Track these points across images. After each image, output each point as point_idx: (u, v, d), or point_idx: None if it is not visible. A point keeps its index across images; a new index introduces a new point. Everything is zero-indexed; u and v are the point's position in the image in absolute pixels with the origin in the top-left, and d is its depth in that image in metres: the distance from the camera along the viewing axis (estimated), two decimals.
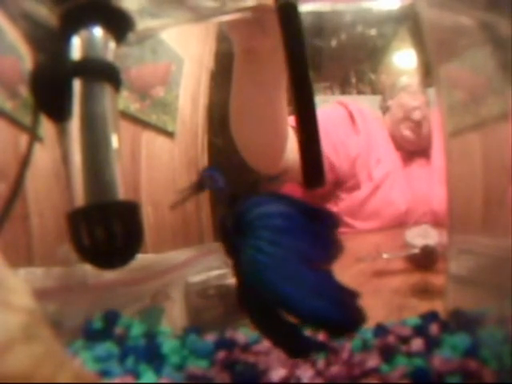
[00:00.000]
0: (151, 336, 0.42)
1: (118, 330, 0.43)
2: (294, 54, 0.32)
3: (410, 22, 0.64)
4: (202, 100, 0.63)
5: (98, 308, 0.45)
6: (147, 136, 0.60)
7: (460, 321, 0.40)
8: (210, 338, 0.41)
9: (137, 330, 0.43)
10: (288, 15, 0.32)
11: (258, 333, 0.32)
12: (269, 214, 0.30)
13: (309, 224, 0.30)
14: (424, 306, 0.44)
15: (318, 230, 0.31)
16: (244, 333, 0.40)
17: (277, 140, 0.62)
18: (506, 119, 0.39)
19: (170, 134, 0.61)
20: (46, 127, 0.43)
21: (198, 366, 0.37)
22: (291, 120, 0.61)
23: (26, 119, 0.39)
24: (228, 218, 0.31)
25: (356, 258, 0.56)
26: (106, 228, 0.30)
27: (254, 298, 0.30)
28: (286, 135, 0.62)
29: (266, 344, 0.38)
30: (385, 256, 0.56)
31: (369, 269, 0.55)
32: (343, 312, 0.29)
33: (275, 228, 0.30)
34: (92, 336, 0.42)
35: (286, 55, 0.32)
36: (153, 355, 0.39)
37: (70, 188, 0.32)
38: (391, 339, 0.37)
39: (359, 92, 0.82)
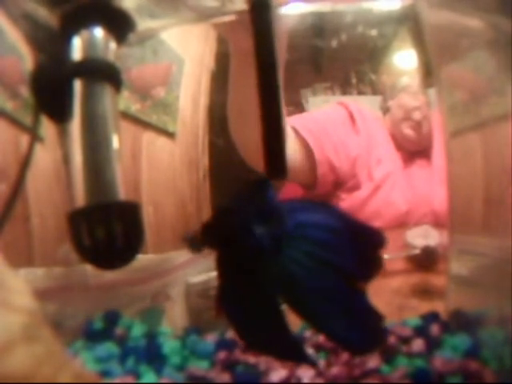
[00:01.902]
0: (152, 336, 0.42)
1: (119, 330, 0.43)
2: (261, 51, 0.32)
3: (410, 22, 0.64)
4: (203, 100, 0.63)
5: (98, 308, 0.45)
6: (148, 136, 0.60)
7: (461, 321, 0.40)
8: (211, 338, 0.41)
9: (137, 330, 0.43)
10: (259, 14, 0.32)
11: (246, 340, 0.31)
12: (310, 224, 0.28)
13: (352, 240, 0.28)
14: (425, 307, 0.44)
15: (361, 247, 0.29)
16: None
17: None
18: (506, 120, 0.39)
19: (170, 135, 0.61)
20: (47, 128, 0.43)
21: (198, 367, 0.37)
22: (291, 120, 0.61)
23: (27, 120, 0.39)
24: (256, 223, 0.27)
25: None
26: (107, 228, 0.30)
27: (255, 302, 0.29)
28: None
29: None
30: (385, 256, 0.56)
31: None
32: (364, 335, 0.28)
33: (316, 240, 0.28)
34: (92, 336, 0.42)
35: (255, 52, 0.32)
36: (153, 356, 0.39)
37: (71, 188, 0.32)
38: (392, 340, 0.37)
39: (360, 92, 0.81)
